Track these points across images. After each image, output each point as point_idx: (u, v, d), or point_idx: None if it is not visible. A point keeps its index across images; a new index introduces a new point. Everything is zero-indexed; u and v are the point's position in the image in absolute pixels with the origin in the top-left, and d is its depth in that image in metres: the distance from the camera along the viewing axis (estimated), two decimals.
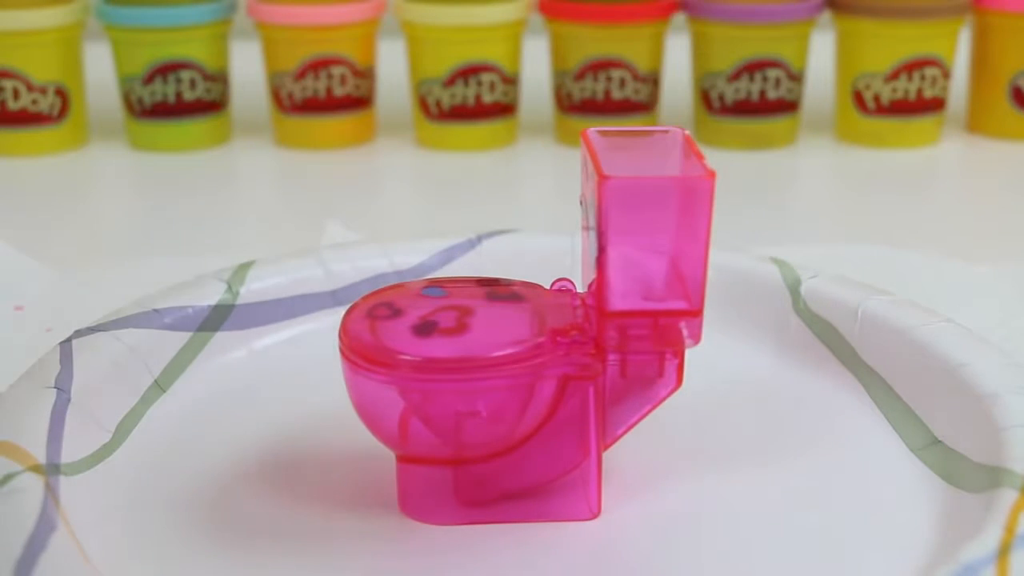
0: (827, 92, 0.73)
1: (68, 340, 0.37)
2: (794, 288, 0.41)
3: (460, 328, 0.32)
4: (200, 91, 0.68)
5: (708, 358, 0.36)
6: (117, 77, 0.69)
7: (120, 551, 0.31)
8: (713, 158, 0.32)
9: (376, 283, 0.43)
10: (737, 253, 0.44)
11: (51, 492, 0.31)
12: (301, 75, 0.68)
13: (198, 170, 0.67)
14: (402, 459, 0.33)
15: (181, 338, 0.40)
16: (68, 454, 0.33)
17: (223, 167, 0.68)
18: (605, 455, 0.33)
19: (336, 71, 0.68)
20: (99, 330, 0.38)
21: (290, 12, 0.67)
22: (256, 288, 0.42)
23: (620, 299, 0.31)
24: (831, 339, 0.40)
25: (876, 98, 0.68)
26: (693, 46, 0.69)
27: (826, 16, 0.70)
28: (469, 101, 0.68)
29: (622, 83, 0.68)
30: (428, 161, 0.68)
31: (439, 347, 0.31)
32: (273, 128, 0.71)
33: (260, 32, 0.69)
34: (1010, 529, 0.29)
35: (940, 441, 0.35)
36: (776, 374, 0.40)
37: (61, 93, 0.68)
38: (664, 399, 0.33)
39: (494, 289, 0.34)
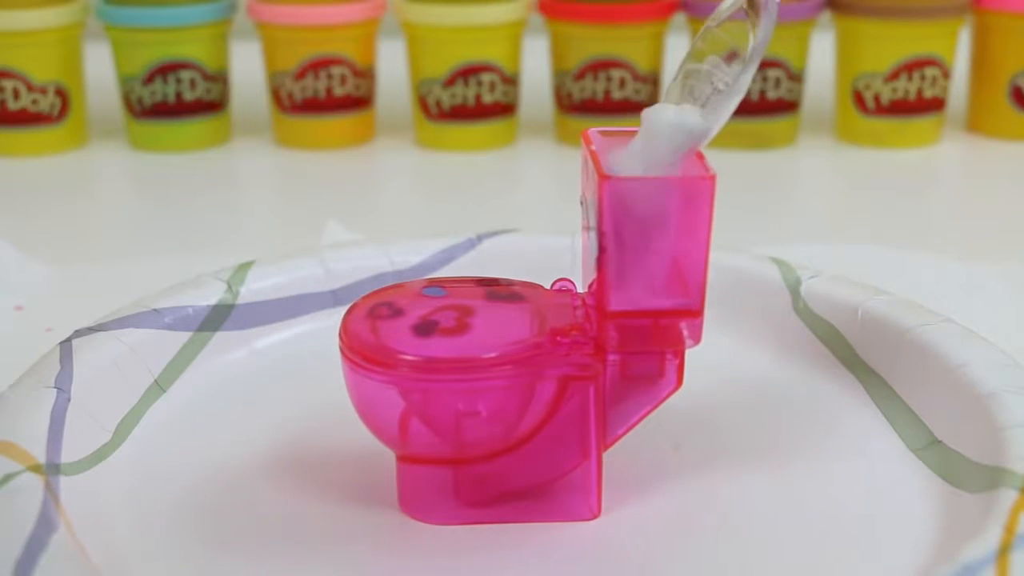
0: (827, 92, 0.73)
1: (68, 340, 0.37)
2: (794, 288, 0.41)
3: (460, 328, 0.32)
4: (200, 91, 0.68)
5: (708, 358, 0.36)
6: (117, 77, 0.69)
7: (120, 551, 0.31)
8: (713, 158, 0.32)
9: (376, 283, 0.43)
10: (737, 253, 0.44)
11: (51, 492, 0.31)
12: (301, 75, 0.68)
13: (198, 170, 0.67)
14: (402, 459, 0.33)
15: (181, 338, 0.40)
16: (68, 454, 0.33)
17: (223, 167, 0.68)
18: (605, 455, 0.33)
19: (336, 71, 0.68)
20: (99, 330, 0.38)
21: (290, 12, 0.67)
22: (256, 288, 0.42)
23: (620, 299, 0.31)
24: (831, 339, 0.40)
25: (876, 98, 0.68)
26: None
27: (826, 16, 0.70)
28: (469, 101, 0.68)
29: (622, 83, 0.68)
30: (428, 161, 0.68)
31: (439, 347, 0.31)
32: (273, 128, 0.71)
33: (260, 32, 0.69)
34: (1010, 529, 0.29)
35: (940, 441, 0.35)
36: (776, 374, 0.40)
37: (61, 93, 0.68)
38: (664, 399, 0.33)
39: (494, 289, 0.34)
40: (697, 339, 0.32)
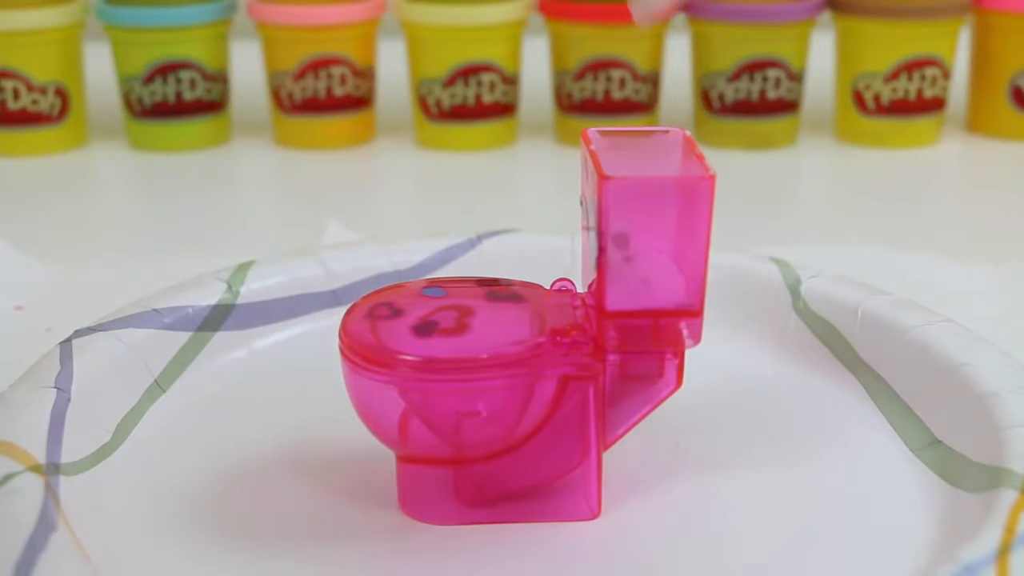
0: (827, 92, 0.73)
1: (68, 340, 0.37)
2: (794, 288, 0.41)
3: (460, 328, 0.32)
4: (200, 91, 0.68)
5: (708, 358, 0.36)
6: (117, 77, 0.69)
7: (120, 551, 0.31)
8: (713, 158, 0.32)
9: (376, 283, 0.43)
10: (737, 253, 0.44)
11: (51, 492, 0.31)
12: (301, 75, 0.68)
13: (198, 170, 0.67)
14: (402, 459, 0.33)
15: (181, 338, 0.40)
16: (68, 454, 0.33)
17: (223, 167, 0.68)
18: (605, 455, 0.33)
19: (336, 71, 0.68)
20: (99, 330, 0.38)
21: (290, 12, 0.67)
22: (256, 288, 0.42)
23: (620, 299, 0.31)
24: (831, 339, 0.40)
25: (876, 98, 0.68)
26: (693, 46, 0.69)
27: (826, 16, 0.70)
28: (469, 101, 0.68)
29: (622, 83, 0.68)
30: (428, 161, 0.68)
31: (439, 347, 0.31)
32: (273, 128, 0.71)
33: (260, 32, 0.69)
34: (1010, 529, 0.29)
35: (940, 441, 0.35)
36: (776, 374, 0.40)
37: (61, 93, 0.68)
38: (664, 399, 0.33)
39: (494, 289, 0.34)
40: (697, 339, 0.32)
